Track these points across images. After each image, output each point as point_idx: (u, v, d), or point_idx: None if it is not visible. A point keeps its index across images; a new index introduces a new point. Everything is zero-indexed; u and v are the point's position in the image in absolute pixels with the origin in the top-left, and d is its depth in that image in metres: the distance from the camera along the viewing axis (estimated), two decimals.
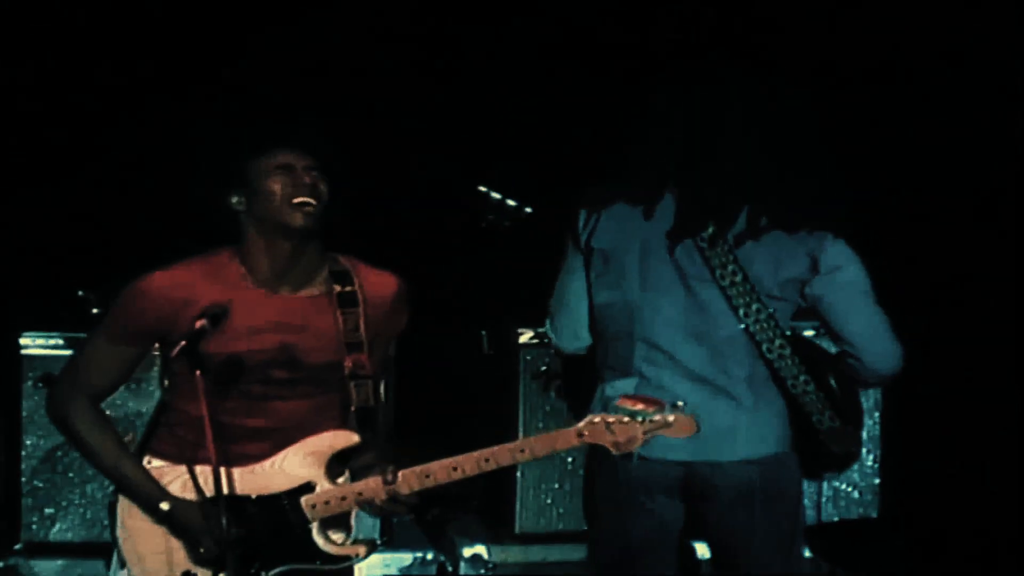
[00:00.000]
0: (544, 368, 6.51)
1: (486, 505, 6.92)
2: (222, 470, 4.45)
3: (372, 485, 4.56)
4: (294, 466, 4.58)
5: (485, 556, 6.63)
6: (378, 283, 4.68)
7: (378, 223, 6.89)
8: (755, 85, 5.00)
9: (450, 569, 6.55)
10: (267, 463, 4.58)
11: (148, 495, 4.57)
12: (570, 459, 6.73)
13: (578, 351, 5.16)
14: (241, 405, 4.55)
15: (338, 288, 4.63)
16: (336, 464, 4.61)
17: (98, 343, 4.64)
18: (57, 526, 6.51)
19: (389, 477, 4.53)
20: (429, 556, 6.58)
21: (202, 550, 4.53)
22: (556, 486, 6.75)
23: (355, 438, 4.61)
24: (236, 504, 4.51)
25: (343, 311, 4.61)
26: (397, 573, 6.56)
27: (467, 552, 6.63)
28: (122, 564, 4.63)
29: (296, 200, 4.53)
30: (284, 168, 4.55)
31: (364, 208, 6.82)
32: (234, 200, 4.58)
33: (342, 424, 4.63)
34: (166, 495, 4.56)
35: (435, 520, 6.67)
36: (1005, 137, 6.87)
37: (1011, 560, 6.13)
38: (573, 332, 5.14)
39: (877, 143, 7.07)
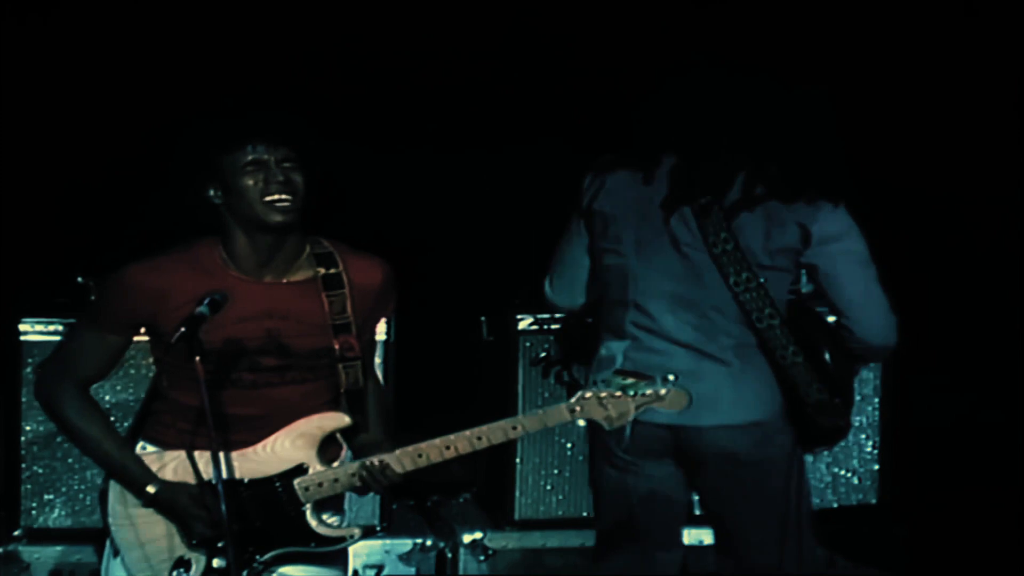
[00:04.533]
0: (543, 355, 6.50)
1: (485, 492, 6.93)
2: (213, 453, 4.45)
3: (365, 466, 4.56)
4: (286, 449, 4.58)
5: (484, 542, 6.64)
6: (364, 268, 4.67)
7: (377, 210, 6.90)
8: (757, 66, 5.04)
9: (449, 556, 6.55)
10: (259, 447, 4.58)
11: (135, 479, 4.56)
12: (569, 445, 6.74)
13: (571, 308, 5.27)
14: (233, 394, 4.54)
15: (322, 271, 4.62)
16: (328, 446, 4.61)
17: (83, 332, 4.65)
18: (56, 512, 6.51)
19: (390, 455, 4.53)
20: (428, 543, 6.59)
21: (195, 533, 4.54)
22: (555, 472, 6.76)
23: (346, 419, 4.61)
24: (229, 488, 4.50)
25: (328, 294, 4.60)
26: (396, 559, 6.57)
27: (466, 538, 6.63)
28: (115, 552, 4.63)
29: (269, 198, 4.50)
30: (256, 164, 4.51)
31: (363, 194, 6.87)
32: (211, 193, 4.55)
33: (335, 408, 4.64)
34: (153, 479, 4.55)
35: (434, 506, 6.68)
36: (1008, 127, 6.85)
37: (1010, 547, 6.14)
38: (568, 291, 5.25)
39: (881, 131, 7.07)
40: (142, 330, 4.64)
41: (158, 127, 6.79)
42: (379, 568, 6.55)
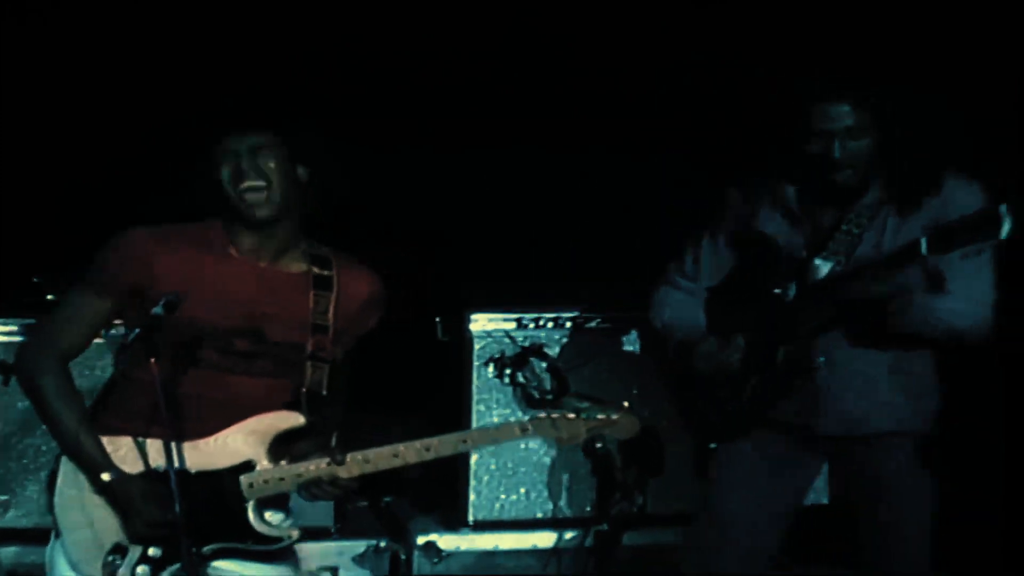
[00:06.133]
0: (498, 355, 6.51)
1: (440, 493, 6.93)
2: (166, 444, 4.46)
3: (312, 467, 4.57)
4: (237, 443, 4.59)
5: (438, 544, 6.63)
6: (355, 278, 4.72)
7: (334, 211, 6.88)
8: None
9: (403, 557, 6.53)
10: (211, 439, 4.58)
11: (93, 464, 4.55)
12: (523, 446, 6.74)
13: None
14: (198, 375, 4.54)
15: (316, 270, 4.65)
16: (279, 444, 4.62)
17: (75, 295, 4.63)
18: (12, 513, 6.51)
19: (338, 457, 4.54)
20: (382, 544, 6.57)
21: (136, 530, 4.53)
22: (510, 474, 6.76)
23: (301, 419, 4.62)
24: (177, 478, 4.46)
25: (316, 292, 4.63)
26: (350, 561, 6.56)
27: (420, 540, 6.62)
28: (56, 533, 4.62)
29: (241, 186, 4.54)
30: (231, 154, 4.54)
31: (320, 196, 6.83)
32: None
33: (294, 408, 4.64)
34: (110, 466, 4.55)
35: (388, 508, 6.66)
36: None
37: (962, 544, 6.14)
38: None
39: None
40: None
41: (142, 128, 6.78)
42: (333, 570, 6.54)
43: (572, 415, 4.60)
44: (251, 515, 4.58)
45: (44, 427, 6.25)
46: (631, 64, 7.06)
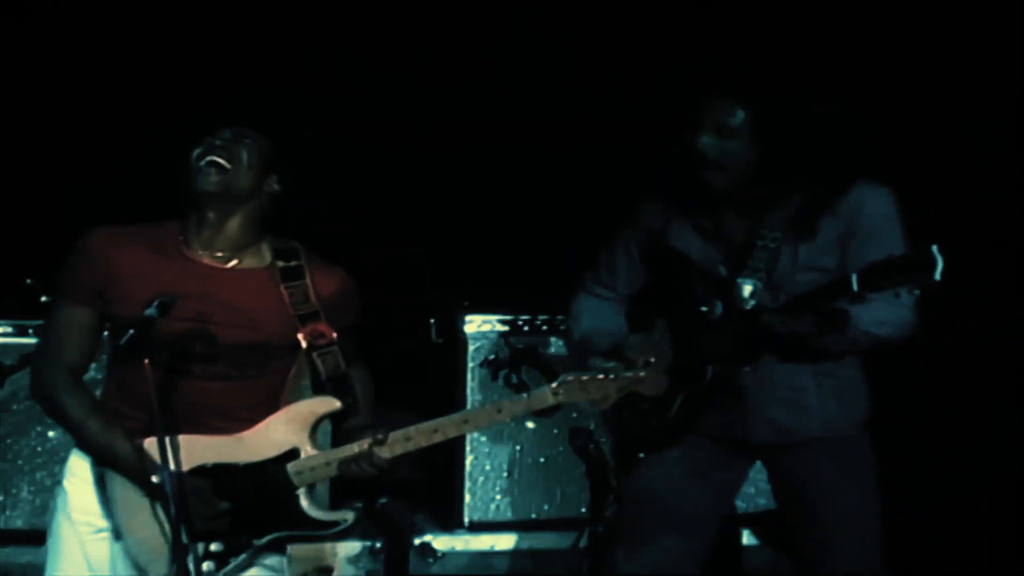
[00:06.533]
0: (492, 356, 6.51)
1: (435, 494, 6.93)
2: (210, 438, 4.51)
3: (356, 449, 4.58)
4: (279, 433, 4.59)
5: (433, 545, 6.64)
6: (323, 274, 4.69)
7: (325, 211, 6.88)
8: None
9: (399, 558, 6.55)
10: (253, 431, 4.58)
11: (137, 470, 4.50)
12: (519, 448, 6.75)
13: None
14: (165, 381, 4.49)
15: (281, 263, 4.63)
16: (319, 430, 4.63)
17: (57, 310, 4.62)
18: (7, 514, 6.49)
19: (379, 437, 4.55)
20: (378, 545, 6.59)
21: (193, 527, 4.49)
22: (505, 475, 6.77)
23: (336, 404, 4.63)
24: (222, 472, 4.51)
25: (288, 285, 4.62)
26: (346, 562, 6.57)
27: (416, 541, 6.64)
28: (117, 535, 4.57)
29: (203, 160, 4.53)
30: (213, 136, 4.56)
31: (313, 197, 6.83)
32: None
33: (268, 413, 4.62)
34: (156, 468, 4.47)
35: (384, 509, 6.67)
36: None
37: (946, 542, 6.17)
38: None
39: None
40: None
41: (135, 129, 6.76)
42: (329, 571, 6.54)
43: (601, 376, 4.59)
44: (304, 502, 4.59)
45: (39, 428, 6.38)
46: (629, 65, 7.06)
